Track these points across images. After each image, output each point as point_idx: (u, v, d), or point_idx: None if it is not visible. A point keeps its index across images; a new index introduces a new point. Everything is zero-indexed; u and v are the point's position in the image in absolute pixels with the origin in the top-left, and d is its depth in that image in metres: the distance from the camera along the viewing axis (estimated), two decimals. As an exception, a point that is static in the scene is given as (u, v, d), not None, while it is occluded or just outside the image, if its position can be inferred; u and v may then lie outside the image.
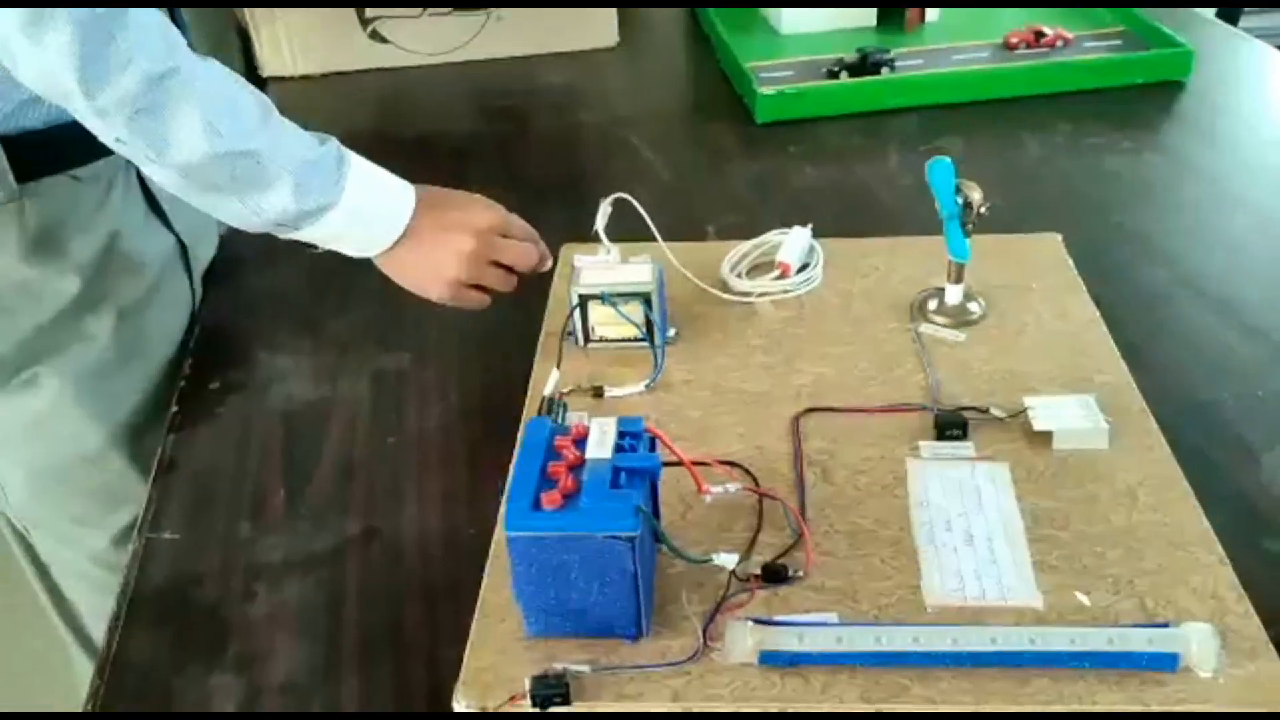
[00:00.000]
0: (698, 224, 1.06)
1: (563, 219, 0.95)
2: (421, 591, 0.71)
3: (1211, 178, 1.13)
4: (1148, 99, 1.29)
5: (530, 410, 0.82)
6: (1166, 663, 0.60)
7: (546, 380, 0.84)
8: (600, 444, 0.63)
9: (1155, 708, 0.58)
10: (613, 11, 1.48)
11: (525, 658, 0.63)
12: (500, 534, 0.71)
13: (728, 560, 0.65)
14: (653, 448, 0.64)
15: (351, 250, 0.81)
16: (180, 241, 0.96)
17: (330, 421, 0.86)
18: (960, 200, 0.83)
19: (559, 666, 0.61)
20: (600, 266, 0.87)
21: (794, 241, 0.94)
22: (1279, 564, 0.68)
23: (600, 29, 1.49)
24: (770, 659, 0.61)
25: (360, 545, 0.74)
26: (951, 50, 1.37)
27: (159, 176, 0.73)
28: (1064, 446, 0.75)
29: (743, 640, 0.62)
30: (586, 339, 0.87)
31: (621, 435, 0.63)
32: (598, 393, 0.83)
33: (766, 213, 1.09)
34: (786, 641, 0.62)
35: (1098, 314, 0.88)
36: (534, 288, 0.90)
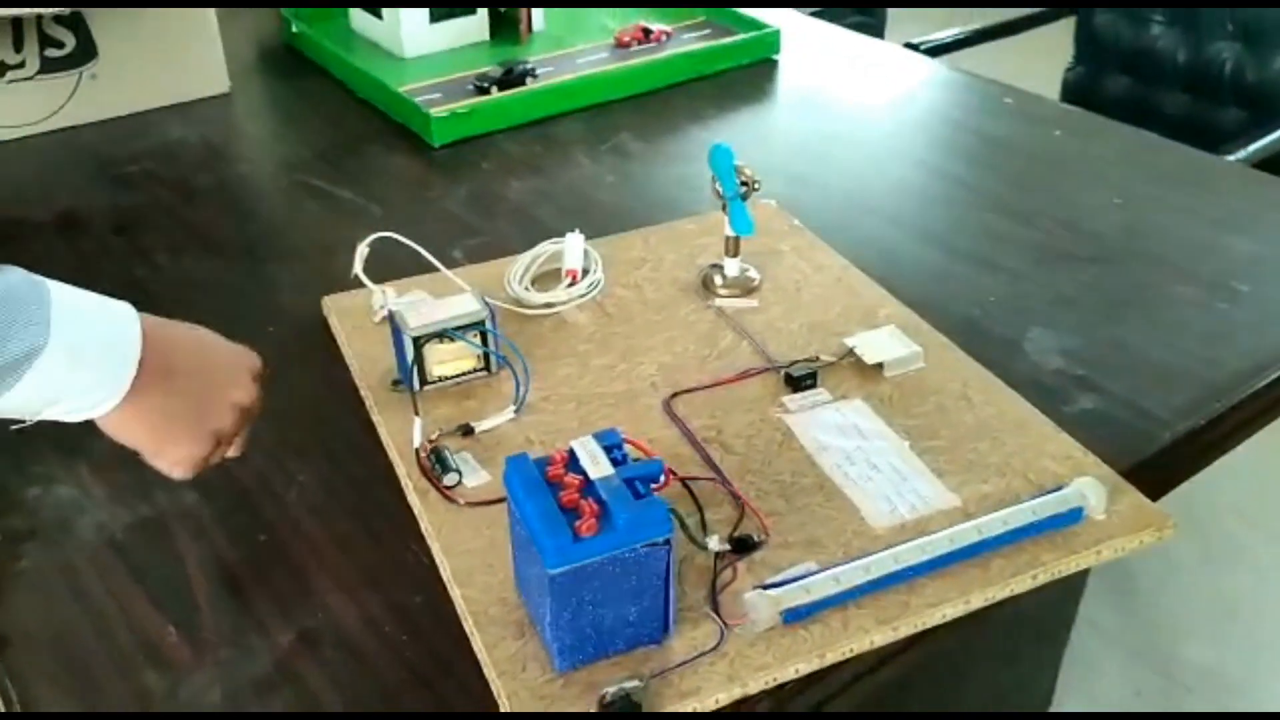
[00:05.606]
0: (443, 252, 1.05)
1: (289, 278, 0.90)
2: (410, 677, 0.66)
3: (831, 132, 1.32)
4: (752, 75, 1.45)
5: (407, 465, 0.78)
6: (1076, 516, 0.72)
7: (401, 433, 0.80)
8: (595, 463, 0.63)
9: (1083, 552, 0.70)
10: (220, 56, 1.38)
11: (569, 694, 0.62)
12: (466, 594, 0.68)
13: (716, 542, 0.68)
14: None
15: (76, 412, 0.62)
16: None
17: (175, 540, 0.75)
18: (739, 180, 0.91)
19: (613, 690, 0.61)
20: (417, 307, 0.85)
21: (572, 248, 0.97)
22: (1083, 420, 0.83)
23: (209, 75, 1.39)
24: (793, 616, 0.66)
25: (307, 651, 0.67)
26: (575, 55, 1.45)
27: None
28: (893, 373, 0.86)
29: (766, 608, 0.65)
30: (424, 382, 0.84)
31: (607, 450, 0.64)
32: (467, 431, 0.81)
33: (502, 228, 1.10)
34: (798, 596, 0.66)
35: (846, 261, 1.01)
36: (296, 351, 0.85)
